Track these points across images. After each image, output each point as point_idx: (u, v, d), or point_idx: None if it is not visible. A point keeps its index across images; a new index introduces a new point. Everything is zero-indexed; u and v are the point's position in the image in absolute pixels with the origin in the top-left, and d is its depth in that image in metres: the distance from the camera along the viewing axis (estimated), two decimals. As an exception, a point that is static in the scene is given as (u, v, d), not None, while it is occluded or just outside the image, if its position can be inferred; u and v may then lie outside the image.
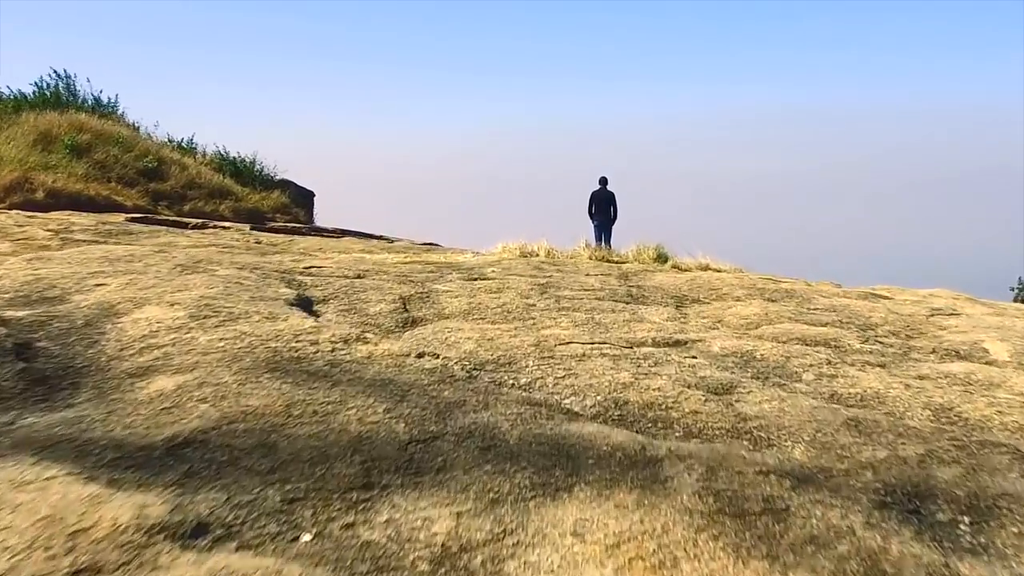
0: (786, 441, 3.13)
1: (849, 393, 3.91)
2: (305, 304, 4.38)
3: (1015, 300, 20.57)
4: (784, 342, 4.91)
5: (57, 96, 18.56)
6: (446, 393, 3.01)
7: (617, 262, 8.93)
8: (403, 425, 2.69)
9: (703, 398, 3.42)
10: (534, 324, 4.50)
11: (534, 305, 4.99)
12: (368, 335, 3.63)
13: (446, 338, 3.81)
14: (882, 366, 4.68)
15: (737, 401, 3.51)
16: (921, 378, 4.40)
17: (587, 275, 7.47)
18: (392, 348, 3.45)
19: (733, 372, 3.99)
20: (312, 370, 3.09)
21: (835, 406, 3.57)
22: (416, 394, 2.97)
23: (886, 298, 8.83)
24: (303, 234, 13.58)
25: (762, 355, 4.35)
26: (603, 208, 14.21)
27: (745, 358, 4.28)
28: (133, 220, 12.60)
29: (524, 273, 6.72)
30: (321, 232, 15.27)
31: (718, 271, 10.31)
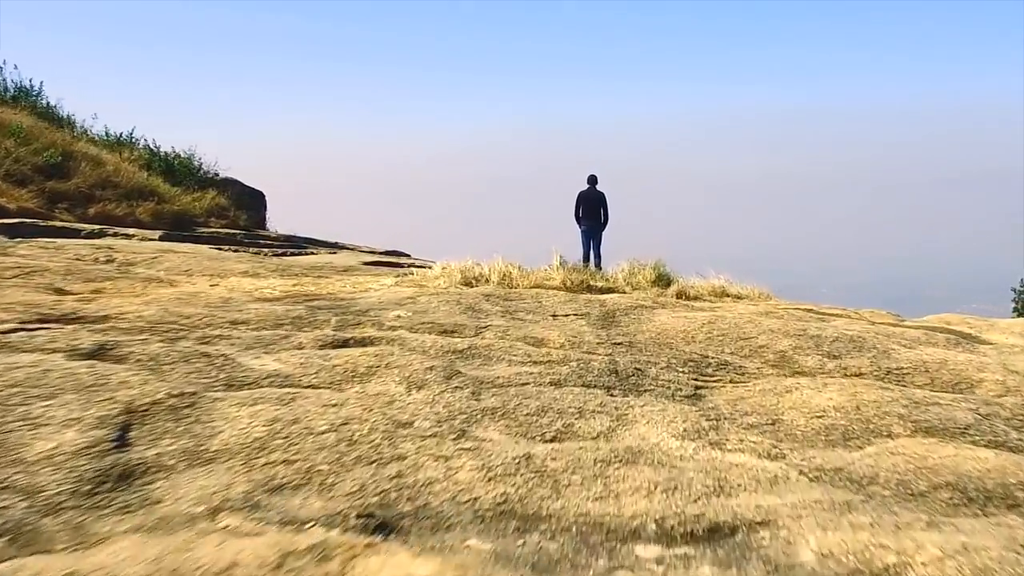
0: None
1: None
2: None
3: (1014, 302, 18.51)
4: (927, 499, 2.37)
5: (-25, 84, 16.14)
6: None
7: (601, 291, 6.36)
8: None
9: None
10: (397, 480, 1.94)
11: (413, 420, 2.39)
12: None
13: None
14: None
15: None
16: None
17: (553, 317, 4.92)
18: None
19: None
20: None
21: None
22: None
23: (977, 339, 6.34)
24: (222, 243, 11.05)
25: (919, 582, 1.82)
26: (592, 211, 11.85)
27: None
28: (1, 228, 10.10)
29: (444, 321, 4.15)
30: (257, 240, 12.76)
31: (739, 298, 7.80)
